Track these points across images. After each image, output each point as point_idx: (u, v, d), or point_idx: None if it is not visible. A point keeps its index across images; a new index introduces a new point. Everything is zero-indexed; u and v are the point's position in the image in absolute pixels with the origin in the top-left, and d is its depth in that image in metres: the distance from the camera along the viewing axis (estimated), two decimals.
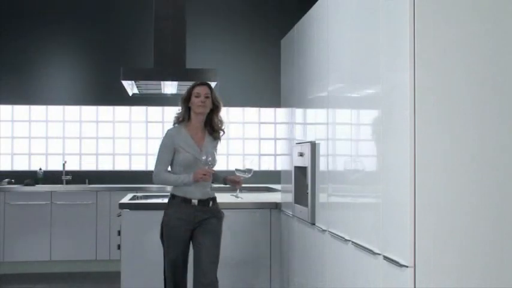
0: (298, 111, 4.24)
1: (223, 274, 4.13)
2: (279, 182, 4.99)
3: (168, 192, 4.20)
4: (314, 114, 3.79)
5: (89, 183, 7.33)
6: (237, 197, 4.20)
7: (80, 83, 7.55)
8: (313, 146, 3.65)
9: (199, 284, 3.89)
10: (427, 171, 2.24)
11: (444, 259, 2.23)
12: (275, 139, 7.72)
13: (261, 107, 7.59)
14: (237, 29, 7.67)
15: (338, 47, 3.26)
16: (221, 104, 4.11)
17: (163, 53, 5.20)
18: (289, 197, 4.29)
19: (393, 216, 2.40)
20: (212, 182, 4.12)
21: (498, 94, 2.27)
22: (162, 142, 4.04)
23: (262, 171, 7.48)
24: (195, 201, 3.98)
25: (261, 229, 4.70)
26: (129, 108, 7.56)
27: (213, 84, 5.04)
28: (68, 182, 7.27)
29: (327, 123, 3.42)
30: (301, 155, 3.87)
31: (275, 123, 7.71)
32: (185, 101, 4.07)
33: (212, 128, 4.11)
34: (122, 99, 7.00)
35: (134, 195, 5.21)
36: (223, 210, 4.12)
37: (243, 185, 4.27)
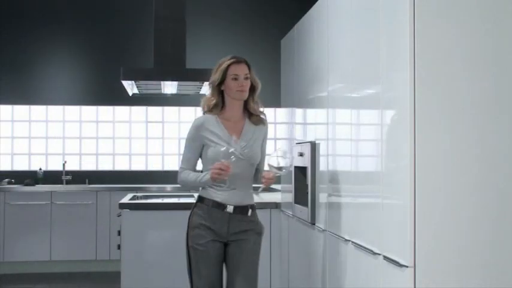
0: (298, 111, 4.24)
1: (223, 274, 4.13)
2: (279, 182, 4.99)
3: (168, 193, 4.15)
4: (314, 114, 3.79)
5: (89, 183, 7.33)
6: (257, 195, 3.53)
7: (80, 83, 7.55)
8: (313, 146, 3.65)
9: None
10: (427, 171, 2.24)
11: (444, 259, 2.23)
12: (275, 139, 7.72)
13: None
14: (237, 29, 7.67)
15: (338, 47, 3.26)
16: (259, 83, 3.35)
17: (163, 53, 5.19)
18: (289, 197, 4.29)
19: (393, 216, 2.40)
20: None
21: (498, 94, 2.27)
22: (187, 135, 3.34)
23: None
24: (230, 208, 3.23)
25: None
26: (129, 108, 7.56)
27: None
28: (68, 182, 7.27)
29: (327, 123, 3.42)
30: (301, 155, 3.87)
31: (275, 123, 7.70)
32: (218, 84, 3.27)
33: (250, 113, 3.37)
34: (122, 99, 7.00)
35: (134, 195, 5.21)
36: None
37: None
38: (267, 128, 3.46)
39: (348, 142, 3.05)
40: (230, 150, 3.11)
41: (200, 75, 4.99)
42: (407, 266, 2.21)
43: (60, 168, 7.38)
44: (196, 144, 3.29)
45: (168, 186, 6.96)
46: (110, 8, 7.58)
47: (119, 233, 4.50)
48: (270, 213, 4.70)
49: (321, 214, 3.53)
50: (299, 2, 6.95)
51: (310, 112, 3.93)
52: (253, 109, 3.35)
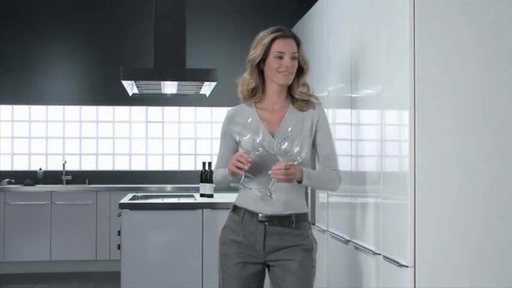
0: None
1: None
2: None
3: (168, 193, 4.13)
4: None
5: (89, 183, 7.33)
6: (269, 194, 2.49)
7: (80, 83, 7.54)
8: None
9: None
10: (427, 172, 2.24)
11: (445, 259, 2.23)
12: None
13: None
14: (237, 29, 7.67)
15: (338, 47, 3.26)
16: (309, 64, 2.65)
17: (163, 53, 5.19)
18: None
19: (393, 217, 2.40)
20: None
21: (498, 94, 2.27)
22: (221, 131, 2.77)
23: None
24: (264, 217, 2.54)
25: None
26: (129, 108, 7.55)
27: (212, 84, 5.03)
28: (68, 182, 7.27)
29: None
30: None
31: None
32: (258, 62, 2.62)
33: (293, 98, 2.66)
34: (122, 99, 6.99)
35: (134, 195, 5.20)
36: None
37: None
38: (319, 112, 2.65)
39: (348, 142, 3.04)
40: (257, 140, 2.46)
41: (200, 75, 4.98)
42: (407, 266, 2.21)
43: (60, 168, 7.38)
44: (228, 140, 2.70)
45: (168, 186, 6.96)
46: (109, 7, 7.58)
47: (119, 233, 4.50)
48: None
49: (321, 214, 3.53)
50: (299, 2, 6.95)
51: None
52: (298, 93, 2.64)
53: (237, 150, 2.64)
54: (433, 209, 2.23)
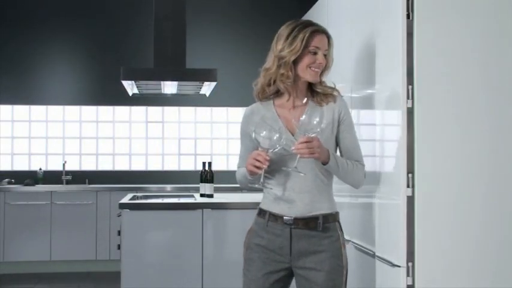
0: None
1: (223, 274, 4.13)
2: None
3: (168, 193, 4.12)
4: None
5: (89, 183, 7.33)
6: (295, 169, 2.32)
7: (80, 83, 7.54)
8: None
9: None
10: (424, 172, 2.23)
11: (443, 259, 2.23)
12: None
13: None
14: (237, 29, 7.67)
15: (338, 47, 3.26)
16: (333, 62, 2.52)
17: (163, 53, 5.19)
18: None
19: (387, 217, 2.39)
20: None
21: (498, 94, 2.27)
22: (240, 130, 2.65)
23: None
24: (288, 219, 2.42)
25: None
26: (129, 108, 7.55)
27: (212, 84, 5.03)
28: (68, 182, 7.27)
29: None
30: None
31: None
32: (295, 59, 2.45)
33: (314, 93, 2.54)
34: (122, 99, 7.00)
35: (134, 195, 5.20)
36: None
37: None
38: (340, 104, 2.50)
39: (385, 142, 3.05)
40: (275, 138, 2.32)
41: (200, 75, 4.98)
42: (399, 266, 2.20)
43: (60, 168, 7.38)
44: (247, 140, 2.57)
45: (168, 186, 6.96)
46: (110, 8, 7.58)
47: (119, 233, 4.50)
48: None
49: None
50: (299, 2, 6.95)
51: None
52: (321, 88, 2.51)
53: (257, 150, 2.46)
54: (430, 208, 2.23)
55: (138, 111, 7.58)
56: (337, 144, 2.50)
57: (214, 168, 5.01)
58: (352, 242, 2.92)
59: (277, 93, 2.54)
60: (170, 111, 7.55)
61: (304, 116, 2.30)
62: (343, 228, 2.46)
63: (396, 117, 2.32)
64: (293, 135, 2.45)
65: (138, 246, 4.46)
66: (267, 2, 7.77)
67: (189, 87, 5.34)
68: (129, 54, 7.46)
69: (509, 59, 2.28)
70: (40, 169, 7.34)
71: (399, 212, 2.22)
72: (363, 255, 2.71)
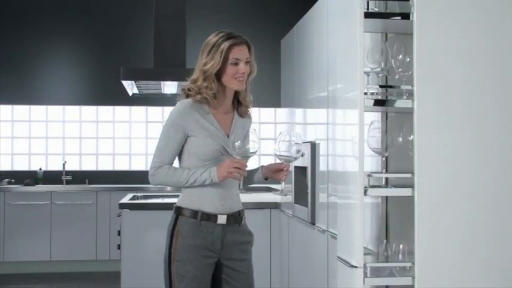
0: (298, 111, 4.24)
1: None
2: (279, 182, 4.99)
3: (168, 193, 4.09)
4: (314, 114, 3.79)
5: (89, 183, 7.33)
6: (282, 193, 2.85)
7: (80, 83, 7.55)
8: (313, 146, 3.65)
9: None
10: (425, 173, 2.23)
11: (442, 260, 2.23)
12: (275, 139, 7.72)
13: (261, 107, 7.59)
14: (237, 29, 7.62)
15: (338, 47, 3.26)
16: (256, 67, 2.77)
17: (163, 53, 5.19)
18: (289, 197, 4.29)
19: (346, 217, 2.40)
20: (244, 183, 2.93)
21: (498, 94, 2.27)
22: (169, 122, 2.79)
23: None
24: (222, 218, 2.69)
25: (261, 229, 4.70)
26: (129, 108, 7.56)
27: None
28: (68, 182, 7.27)
29: (327, 123, 3.42)
30: (301, 155, 3.87)
31: (275, 123, 7.71)
32: (218, 71, 2.67)
33: (238, 102, 2.81)
34: (122, 99, 7.00)
35: (134, 195, 5.20)
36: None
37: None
38: (251, 121, 2.90)
39: (348, 142, 3.04)
40: (237, 145, 2.62)
41: None
42: (356, 267, 2.18)
43: (60, 168, 7.38)
44: (179, 133, 2.72)
45: (168, 186, 6.96)
46: (110, 7, 7.58)
47: (119, 233, 4.50)
48: (270, 213, 4.70)
49: (321, 214, 3.53)
50: (299, 2, 6.95)
51: (310, 112, 3.93)
52: (243, 98, 2.78)
53: (182, 146, 2.72)
54: (430, 209, 2.23)
55: (138, 111, 7.58)
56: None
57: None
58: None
59: (219, 101, 2.74)
60: (170, 111, 7.54)
61: (239, 142, 2.63)
62: None
63: (353, 117, 2.30)
64: (227, 137, 2.73)
65: (138, 246, 4.46)
66: (267, 2, 7.77)
67: (187, 81, 5.34)
68: (129, 54, 7.46)
69: (510, 58, 2.28)
70: (40, 169, 7.34)
71: (356, 212, 2.20)
72: (331, 254, 2.72)
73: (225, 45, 2.66)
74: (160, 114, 7.61)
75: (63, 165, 7.35)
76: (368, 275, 2.15)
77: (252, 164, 2.82)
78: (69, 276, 6.66)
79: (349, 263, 2.24)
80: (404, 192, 2.22)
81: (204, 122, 2.70)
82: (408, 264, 2.21)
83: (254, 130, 2.86)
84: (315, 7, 3.76)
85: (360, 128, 2.21)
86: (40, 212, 6.75)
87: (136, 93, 5.86)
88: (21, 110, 7.46)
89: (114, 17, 7.57)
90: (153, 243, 4.29)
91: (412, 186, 2.21)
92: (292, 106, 4.42)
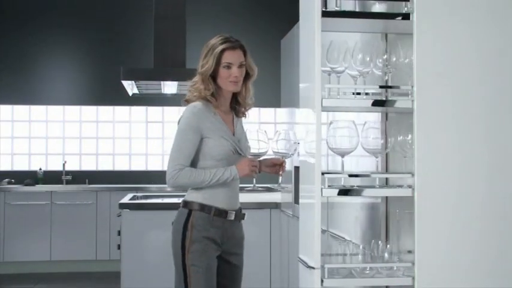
0: (298, 111, 4.24)
1: None
2: (276, 181, 4.99)
3: (168, 193, 4.09)
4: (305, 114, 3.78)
5: (89, 183, 7.33)
6: (280, 186, 3.03)
7: (80, 83, 7.55)
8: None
9: None
10: (425, 173, 2.23)
11: (442, 260, 2.23)
12: (273, 138, 7.72)
13: (261, 107, 7.59)
14: (237, 29, 7.66)
15: (304, 47, 3.26)
16: (256, 70, 2.92)
17: (163, 53, 5.19)
18: (289, 197, 4.29)
19: (305, 217, 2.38)
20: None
21: (497, 94, 2.27)
22: (185, 125, 2.85)
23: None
24: (232, 215, 2.87)
25: (261, 229, 4.70)
26: (129, 108, 7.56)
27: None
28: (68, 182, 7.27)
29: (327, 124, 3.42)
30: (298, 152, 3.87)
31: (275, 123, 7.71)
32: (211, 74, 2.83)
33: (237, 102, 2.96)
34: (122, 99, 7.00)
35: (134, 195, 5.21)
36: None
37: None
38: (243, 118, 3.08)
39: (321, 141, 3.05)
40: (248, 145, 2.92)
41: None
42: (313, 268, 2.17)
43: (60, 168, 7.38)
44: (197, 137, 2.81)
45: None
46: (110, 8, 7.58)
47: (119, 233, 4.50)
48: (270, 213, 4.70)
49: (321, 214, 3.52)
50: (298, 3, 6.95)
51: (301, 112, 3.92)
52: (242, 99, 2.92)
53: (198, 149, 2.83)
54: (430, 209, 2.23)
55: (138, 111, 7.59)
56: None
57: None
58: (353, 243, 2.92)
59: (219, 101, 2.89)
60: (170, 111, 7.56)
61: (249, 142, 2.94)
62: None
63: (311, 117, 2.28)
64: (234, 135, 2.90)
65: (138, 246, 4.46)
66: (267, 2, 7.77)
67: (188, 85, 5.34)
68: (129, 54, 7.46)
69: (510, 58, 2.28)
70: (40, 169, 7.34)
71: (313, 212, 2.19)
72: (290, 255, 2.71)
73: (218, 49, 2.81)
74: (160, 114, 7.61)
75: (63, 165, 7.35)
76: (326, 275, 2.13)
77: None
78: (69, 276, 6.67)
79: (307, 264, 2.23)
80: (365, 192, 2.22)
81: (215, 122, 2.84)
82: (369, 265, 2.20)
83: (265, 131, 2.98)
84: None
85: (318, 127, 2.20)
86: (40, 212, 6.75)
87: (137, 93, 5.86)
88: (21, 110, 7.46)
89: (114, 17, 7.57)
90: (153, 243, 4.30)
91: (372, 186, 2.21)
92: (292, 106, 4.42)
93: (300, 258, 2.33)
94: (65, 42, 7.52)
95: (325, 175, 2.18)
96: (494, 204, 2.26)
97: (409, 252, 2.28)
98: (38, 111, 7.47)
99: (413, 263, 2.20)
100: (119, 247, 4.51)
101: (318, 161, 2.17)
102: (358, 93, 2.29)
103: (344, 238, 3.05)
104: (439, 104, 2.24)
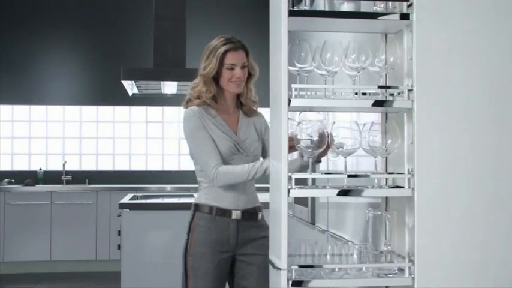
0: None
1: None
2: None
3: (168, 193, 4.10)
4: (314, 114, 3.78)
5: (89, 183, 7.33)
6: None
7: (80, 83, 7.55)
8: None
9: None
10: (425, 173, 2.23)
11: (442, 260, 2.23)
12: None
13: (261, 107, 7.58)
14: (237, 28, 7.67)
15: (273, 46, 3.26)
16: (257, 69, 2.91)
17: (163, 53, 5.20)
18: (289, 197, 4.28)
19: (273, 218, 2.34)
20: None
21: (497, 94, 2.27)
22: (192, 128, 2.90)
23: None
24: (237, 214, 2.80)
25: None
26: (129, 108, 7.56)
27: None
28: (68, 182, 7.28)
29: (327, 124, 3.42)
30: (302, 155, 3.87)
31: None
32: (214, 75, 2.82)
33: (240, 102, 2.95)
34: (122, 99, 7.00)
35: (134, 195, 5.21)
36: None
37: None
38: (263, 121, 3.02)
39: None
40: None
41: None
42: (280, 269, 2.17)
43: (60, 168, 7.38)
44: (207, 132, 2.82)
45: (168, 186, 6.96)
46: (110, 8, 7.58)
47: (119, 233, 4.50)
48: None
49: (321, 214, 3.53)
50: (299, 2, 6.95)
51: (309, 112, 3.92)
52: (244, 99, 2.91)
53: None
54: (430, 209, 2.23)
55: (138, 111, 7.59)
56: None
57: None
58: (353, 243, 2.92)
59: (220, 103, 2.89)
60: (170, 111, 7.56)
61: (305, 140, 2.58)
62: None
63: (279, 117, 2.27)
64: (236, 135, 2.86)
65: (138, 246, 4.46)
66: (267, 2, 7.76)
67: (189, 87, 5.34)
68: (129, 54, 7.46)
69: (510, 58, 2.28)
70: (40, 169, 7.34)
71: (281, 212, 2.19)
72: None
73: (221, 50, 2.81)
74: (160, 114, 7.61)
75: (63, 165, 7.35)
76: (293, 277, 2.13)
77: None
78: (69, 276, 6.67)
79: (274, 264, 2.23)
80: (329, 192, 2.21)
81: (214, 122, 2.84)
82: (338, 266, 2.19)
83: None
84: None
85: (284, 128, 2.19)
86: (40, 212, 6.75)
87: (137, 93, 5.87)
88: (21, 110, 7.46)
89: (114, 17, 7.57)
90: (153, 243, 4.30)
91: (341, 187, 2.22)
92: None
93: (270, 260, 2.33)
94: (65, 42, 7.53)
95: (293, 175, 2.16)
96: (494, 204, 2.26)
97: (402, 256, 2.28)
98: (38, 111, 7.48)
99: (412, 263, 2.20)
100: (118, 247, 4.51)
101: (284, 162, 2.16)
102: (358, 93, 2.28)
103: (344, 238, 3.06)
104: (439, 104, 2.24)
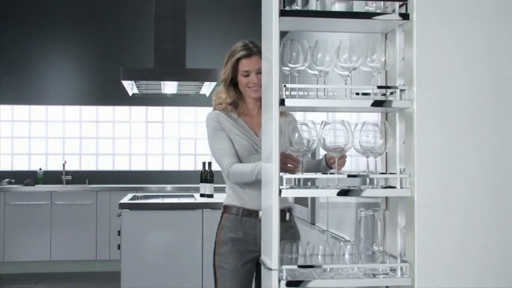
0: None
1: None
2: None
3: (168, 193, 4.10)
4: (314, 114, 3.78)
5: (89, 183, 7.33)
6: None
7: (80, 83, 7.55)
8: None
9: None
10: (425, 173, 2.23)
11: (442, 260, 2.23)
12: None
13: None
14: (237, 28, 7.67)
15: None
16: None
17: (163, 53, 5.19)
18: (290, 198, 4.29)
19: (266, 220, 2.34)
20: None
21: (497, 94, 2.27)
22: (212, 129, 2.90)
23: None
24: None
25: None
26: (129, 108, 7.56)
27: (212, 84, 5.03)
28: (68, 182, 7.28)
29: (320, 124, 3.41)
30: None
31: None
32: (230, 81, 2.89)
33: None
34: (122, 99, 7.00)
35: (134, 195, 5.21)
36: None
37: None
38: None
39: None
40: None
41: (200, 75, 4.99)
42: (271, 269, 2.17)
43: (60, 168, 7.38)
44: (226, 134, 2.86)
45: (168, 186, 6.96)
46: (110, 7, 7.58)
47: (119, 233, 4.50)
48: None
49: (321, 214, 3.53)
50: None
51: (309, 112, 3.93)
52: None
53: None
54: (430, 209, 2.23)
55: (138, 111, 7.59)
56: None
57: (214, 168, 5.01)
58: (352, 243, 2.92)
59: (242, 107, 2.92)
60: (170, 111, 7.56)
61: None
62: None
63: (271, 119, 2.26)
64: (257, 136, 2.86)
65: (138, 246, 4.46)
66: None
67: (189, 87, 5.35)
68: (129, 54, 7.46)
69: (510, 58, 2.28)
70: (40, 169, 7.34)
71: (272, 213, 2.18)
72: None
73: (235, 58, 2.86)
74: (160, 114, 7.61)
75: (63, 165, 7.35)
76: (284, 277, 2.12)
77: None
78: (69, 276, 6.67)
79: (266, 265, 2.23)
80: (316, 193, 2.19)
81: (234, 124, 2.87)
82: (329, 266, 2.19)
83: (306, 124, 2.52)
84: None
85: (275, 128, 2.18)
86: (40, 212, 6.75)
87: (137, 93, 5.87)
88: (21, 110, 7.46)
89: (114, 17, 7.57)
90: (153, 243, 4.30)
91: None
92: None
93: (261, 260, 2.33)
94: (65, 42, 7.52)
95: (284, 175, 2.14)
96: (494, 204, 2.25)
97: (395, 256, 2.28)
98: (38, 111, 7.48)
99: (410, 263, 2.20)
100: (118, 247, 4.51)
101: (275, 162, 2.15)
102: (358, 94, 2.28)
103: (344, 238, 3.06)
104: (439, 104, 2.24)
